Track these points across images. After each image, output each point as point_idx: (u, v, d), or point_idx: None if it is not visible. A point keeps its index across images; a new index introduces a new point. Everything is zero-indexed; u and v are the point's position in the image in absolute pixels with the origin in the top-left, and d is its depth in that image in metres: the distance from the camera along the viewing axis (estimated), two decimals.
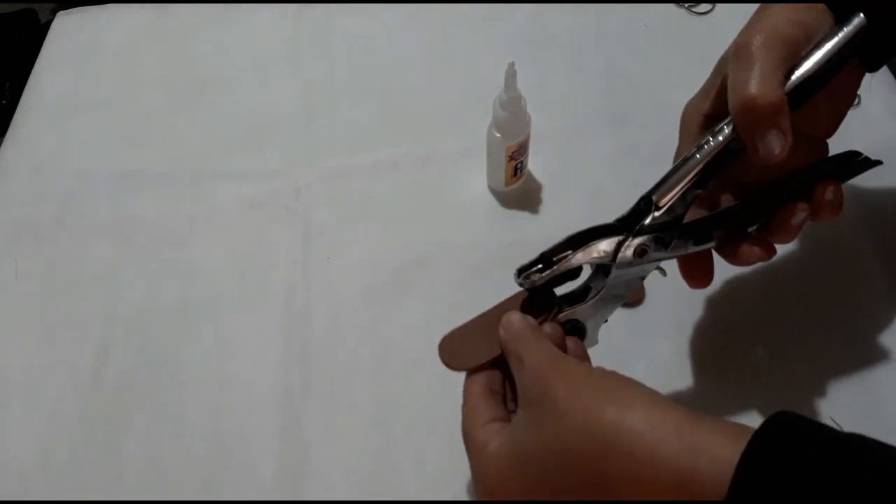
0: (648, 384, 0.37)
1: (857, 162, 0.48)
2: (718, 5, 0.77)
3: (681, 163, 0.43)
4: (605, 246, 0.43)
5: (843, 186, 0.46)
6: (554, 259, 0.43)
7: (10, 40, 1.56)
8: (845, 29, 0.42)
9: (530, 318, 0.42)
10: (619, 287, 0.44)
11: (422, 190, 0.66)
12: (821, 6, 0.43)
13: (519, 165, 0.63)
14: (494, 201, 0.65)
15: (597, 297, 0.44)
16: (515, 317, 0.42)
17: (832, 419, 0.33)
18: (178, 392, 0.56)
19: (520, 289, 0.44)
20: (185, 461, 0.53)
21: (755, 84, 0.41)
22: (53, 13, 0.88)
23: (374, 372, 0.56)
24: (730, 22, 0.76)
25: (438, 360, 0.43)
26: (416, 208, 0.65)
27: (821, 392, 0.53)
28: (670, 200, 0.43)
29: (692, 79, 0.74)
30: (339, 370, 0.56)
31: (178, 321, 0.60)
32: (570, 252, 0.43)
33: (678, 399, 0.44)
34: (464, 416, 0.42)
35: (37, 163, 0.71)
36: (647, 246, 0.44)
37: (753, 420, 0.49)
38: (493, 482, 0.38)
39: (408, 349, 0.57)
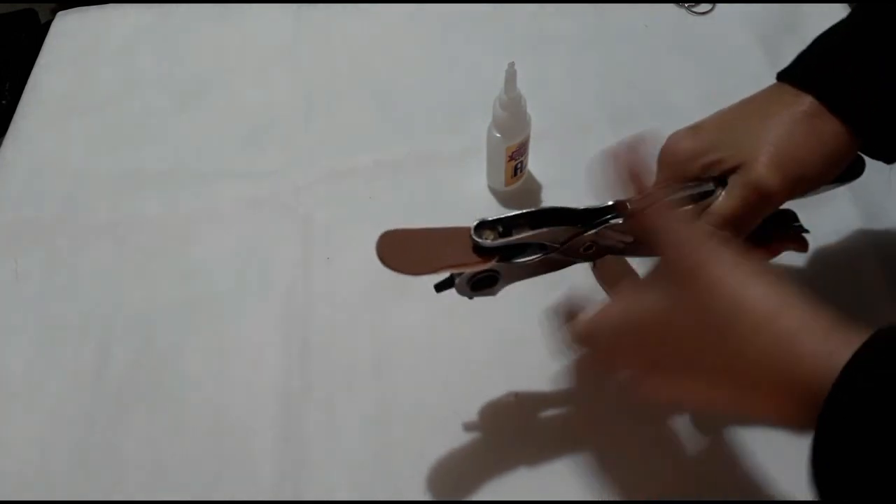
0: None
1: (792, 224, 0.51)
2: (718, 5, 0.77)
3: (664, 188, 0.45)
4: (561, 233, 0.44)
5: (844, 187, 0.47)
6: (513, 231, 0.44)
7: (10, 40, 1.56)
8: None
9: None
10: (547, 263, 0.45)
11: (422, 190, 0.66)
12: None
13: (519, 165, 0.63)
14: (494, 201, 0.65)
15: (526, 262, 0.45)
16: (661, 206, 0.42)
17: None
18: (178, 392, 0.56)
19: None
20: (185, 461, 0.53)
21: (730, 231, 0.45)
22: (53, 13, 0.88)
23: (374, 372, 0.56)
24: (730, 22, 0.76)
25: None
26: (416, 208, 0.65)
27: None
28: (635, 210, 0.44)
29: (692, 79, 0.74)
30: (339, 370, 0.56)
31: (178, 321, 0.60)
32: (528, 230, 0.43)
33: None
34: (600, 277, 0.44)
35: (37, 163, 0.71)
36: (597, 246, 0.45)
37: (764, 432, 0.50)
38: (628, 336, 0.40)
39: (408, 349, 0.57)
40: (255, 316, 0.59)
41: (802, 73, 0.46)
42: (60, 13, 0.85)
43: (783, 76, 0.47)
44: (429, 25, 0.78)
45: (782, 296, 0.35)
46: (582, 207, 0.44)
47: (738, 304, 0.35)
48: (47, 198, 0.68)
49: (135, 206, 0.67)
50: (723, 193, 0.45)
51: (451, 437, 0.53)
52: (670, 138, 0.48)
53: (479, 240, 0.42)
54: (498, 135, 0.59)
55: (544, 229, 0.44)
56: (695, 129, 0.47)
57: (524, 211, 0.44)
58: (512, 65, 0.55)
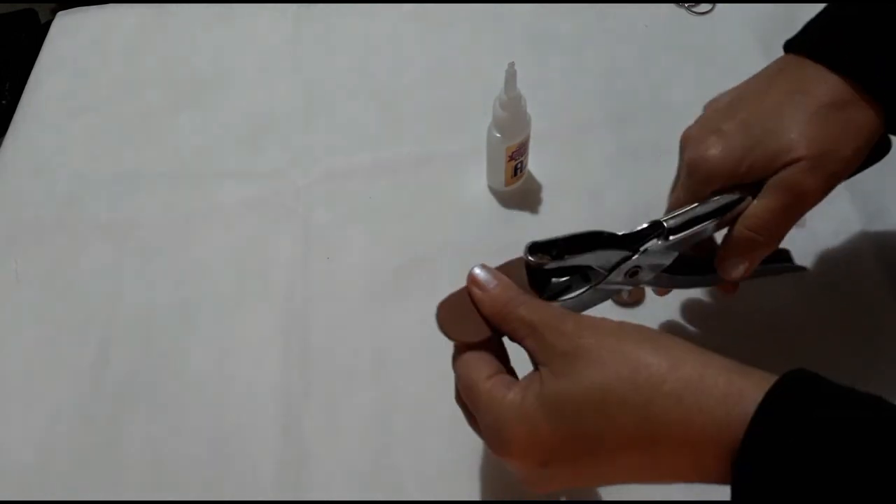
0: None
1: (784, 261, 0.52)
2: (718, 5, 0.77)
3: (697, 205, 0.45)
4: (609, 256, 0.43)
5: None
6: (566, 254, 0.43)
7: (10, 40, 1.56)
8: None
9: (513, 285, 0.41)
10: (596, 295, 0.45)
11: (422, 190, 0.66)
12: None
13: (519, 165, 0.63)
14: (494, 201, 0.65)
15: (575, 297, 0.44)
16: (494, 286, 0.40)
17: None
18: (178, 392, 0.56)
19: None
20: (185, 461, 0.53)
21: (766, 236, 0.44)
22: (53, 13, 0.88)
23: (374, 372, 0.56)
24: (730, 22, 0.76)
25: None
26: (416, 208, 0.65)
27: None
28: (680, 234, 0.44)
29: (692, 79, 0.74)
30: (339, 370, 0.56)
31: (178, 321, 0.60)
32: (580, 252, 0.43)
33: None
34: (462, 373, 0.39)
35: (37, 163, 0.71)
36: (640, 269, 0.44)
37: None
38: (519, 430, 0.35)
39: (408, 349, 0.57)
40: (255, 316, 0.59)
41: (829, 50, 0.42)
42: (60, 13, 0.85)
43: (800, 48, 0.44)
44: (429, 25, 0.78)
45: (673, 351, 0.34)
46: (621, 233, 0.44)
47: (633, 367, 0.34)
48: (47, 198, 0.68)
49: (135, 206, 0.67)
50: (757, 198, 0.44)
51: (451, 437, 0.53)
52: (696, 149, 0.45)
53: (535, 259, 0.42)
54: (498, 135, 0.59)
55: (598, 251, 0.43)
56: (719, 134, 0.44)
57: (571, 234, 0.43)
58: (512, 65, 0.55)
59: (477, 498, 0.50)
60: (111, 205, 0.67)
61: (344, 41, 0.78)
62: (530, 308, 0.38)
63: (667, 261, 0.45)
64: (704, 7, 0.78)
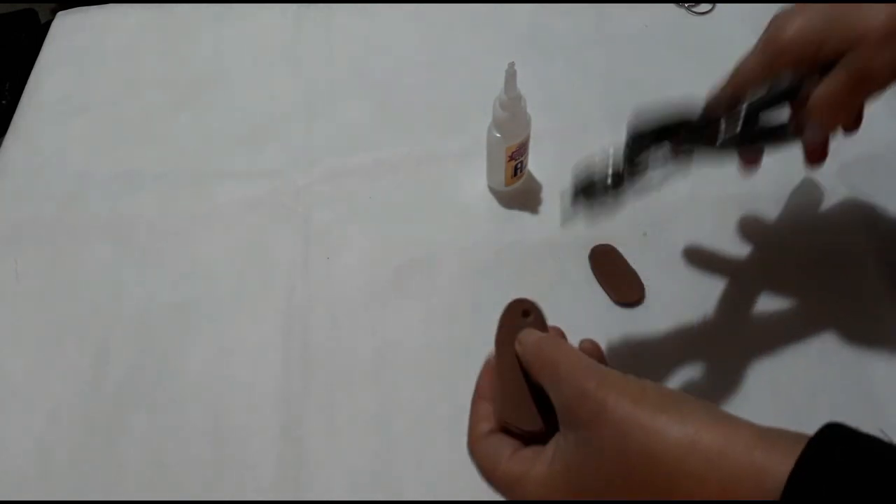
0: None
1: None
2: (718, 5, 0.77)
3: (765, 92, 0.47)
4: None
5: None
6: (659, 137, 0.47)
7: (10, 40, 1.56)
8: None
9: (548, 334, 0.40)
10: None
11: (422, 190, 0.66)
12: None
13: (519, 165, 0.63)
14: (494, 201, 0.65)
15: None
16: (532, 334, 0.39)
17: (882, 431, 0.32)
18: (178, 392, 0.56)
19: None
20: (185, 461, 0.53)
21: (831, 112, 0.44)
22: (53, 13, 0.88)
23: (374, 372, 0.56)
24: (730, 22, 0.76)
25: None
26: (416, 208, 0.65)
27: (821, 393, 0.53)
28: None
29: (692, 79, 0.74)
30: (339, 370, 0.56)
31: (178, 321, 0.60)
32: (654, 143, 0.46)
33: None
34: (481, 459, 0.39)
35: (37, 163, 0.71)
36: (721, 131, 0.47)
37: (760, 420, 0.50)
38: None
39: (408, 349, 0.57)
40: (255, 316, 0.59)
41: None
42: (60, 13, 0.85)
43: None
44: (429, 25, 0.78)
45: (692, 420, 0.33)
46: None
47: (653, 443, 0.33)
48: (47, 198, 0.68)
49: (135, 206, 0.67)
50: (827, 77, 0.44)
51: (451, 437, 0.52)
52: (776, 22, 0.46)
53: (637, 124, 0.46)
54: (498, 135, 0.59)
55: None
56: (803, 12, 0.45)
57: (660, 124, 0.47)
58: (512, 65, 0.55)
59: (477, 498, 0.50)
60: (111, 205, 0.67)
61: (344, 41, 0.78)
62: (558, 354, 0.37)
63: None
64: (704, 7, 0.78)
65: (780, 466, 0.30)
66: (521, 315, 0.41)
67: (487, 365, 0.42)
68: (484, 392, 0.41)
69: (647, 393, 0.35)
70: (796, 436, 0.31)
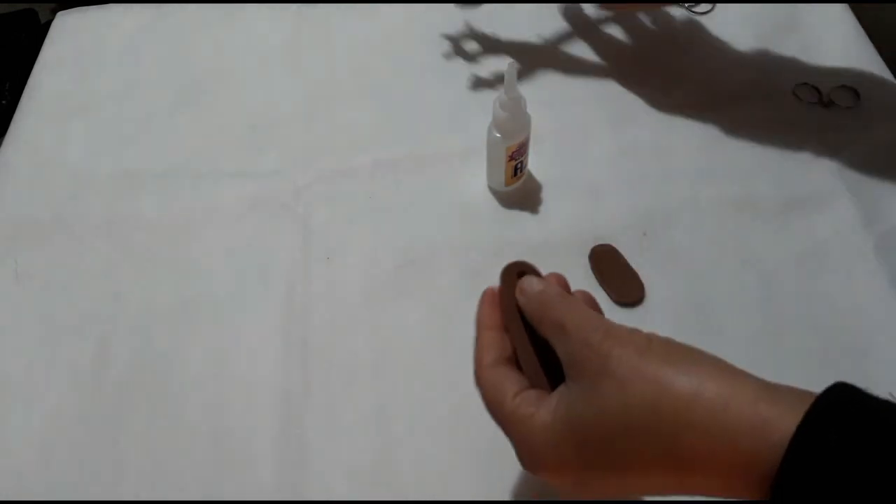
0: None
1: None
2: (718, 5, 0.77)
3: None
4: None
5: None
6: None
7: (10, 40, 1.56)
8: None
9: (553, 284, 0.41)
10: None
11: (422, 190, 0.66)
12: None
13: (519, 165, 0.63)
14: (494, 201, 0.65)
15: None
16: (534, 283, 0.40)
17: (891, 394, 0.32)
18: (178, 392, 0.56)
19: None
20: (185, 461, 0.53)
21: None
22: (53, 13, 0.88)
23: (374, 372, 0.56)
24: (730, 22, 0.76)
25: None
26: (416, 208, 0.65)
27: None
28: None
29: (692, 79, 0.74)
30: (339, 370, 0.56)
31: (177, 321, 0.60)
32: None
33: None
34: (486, 389, 0.39)
35: (37, 163, 0.71)
36: None
37: None
38: (548, 453, 0.36)
39: (408, 349, 0.57)
40: (255, 316, 0.59)
41: None
42: (60, 13, 0.85)
43: None
44: (429, 25, 0.78)
45: (697, 372, 0.33)
46: None
47: (656, 393, 0.33)
48: (47, 198, 0.68)
49: (134, 206, 0.67)
50: None
51: (451, 437, 0.53)
52: None
53: None
54: (498, 135, 0.59)
55: None
56: None
57: None
58: (512, 65, 0.55)
59: (477, 498, 0.50)
60: (111, 205, 0.67)
61: (344, 41, 0.78)
62: (566, 312, 0.38)
63: None
64: (704, 7, 0.78)
65: (786, 420, 0.30)
66: (517, 277, 0.42)
67: (486, 294, 0.43)
68: (485, 321, 0.42)
69: (653, 345, 0.35)
70: (802, 392, 0.31)
